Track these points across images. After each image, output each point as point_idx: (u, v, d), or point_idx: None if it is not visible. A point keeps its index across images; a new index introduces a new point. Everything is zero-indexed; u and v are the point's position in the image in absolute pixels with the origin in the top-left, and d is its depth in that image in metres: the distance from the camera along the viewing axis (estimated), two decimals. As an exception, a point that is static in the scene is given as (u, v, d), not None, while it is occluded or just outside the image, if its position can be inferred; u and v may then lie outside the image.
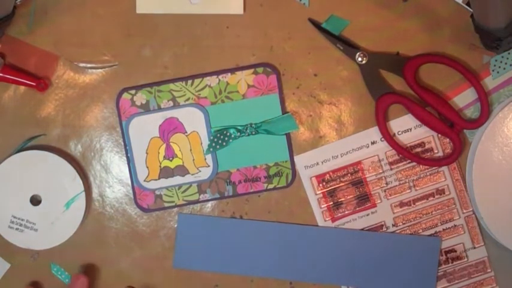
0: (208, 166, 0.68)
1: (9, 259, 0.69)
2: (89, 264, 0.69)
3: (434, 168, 0.69)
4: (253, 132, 0.67)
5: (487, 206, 0.68)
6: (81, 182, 0.67)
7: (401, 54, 0.68)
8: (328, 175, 0.69)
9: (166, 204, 0.69)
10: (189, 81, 0.67)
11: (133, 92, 0.67)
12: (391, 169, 0.69)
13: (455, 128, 0.67)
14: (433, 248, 0.69)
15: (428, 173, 0.69)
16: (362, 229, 0.69)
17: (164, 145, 0.68)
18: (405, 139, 0.69)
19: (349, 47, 0.67)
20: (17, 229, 0.67)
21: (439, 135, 0.69)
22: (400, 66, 0.67)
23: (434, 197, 0.69)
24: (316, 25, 0.67)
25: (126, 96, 0.67)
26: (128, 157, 0.68)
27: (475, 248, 0.70)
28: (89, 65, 0.68)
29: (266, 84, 0.67)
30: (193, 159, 0.68)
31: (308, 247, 0.69)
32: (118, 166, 0.69)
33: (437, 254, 0.69)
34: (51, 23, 0.67)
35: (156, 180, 0.68)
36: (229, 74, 0.67)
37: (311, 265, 0.69)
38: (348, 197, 0.69)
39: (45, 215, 0.67)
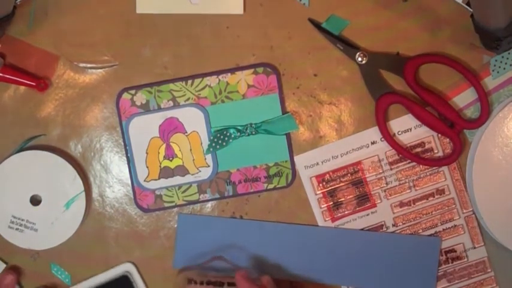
0: (208, 166, 0.68)
1: (9, 259, 0.69)
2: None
3: (434, 168, 0.69)
4: (253, 132, 0.67)
5: (487, 206, 0.68)
6: (81, 182, 0.67)
7: (401, 54, 0.68)
8: (328, 175, 0.69)
9: (166, 204, 0.69)
10: (189, 81, 0.67)
11: (133, 92, 0.67)
12: (391, 169, 0.69)
13: (455, 128, 0.67)
14: (433, 248, 0.69)
15: (428, 173, 0.69)
16: (362, 229, 0.69)
17: (164, 145, 0.68)
18: (405, 139, 0.69)
19: (349, 47, 0.67)
20: (17, 229, 0.67)
21: (439, 135, 0.69)
22: (400, 66, 0.67)
23: (434, 197, 0.69)
24: (316, 25, 0.67)
25: (126, 96, 0.67)
26: (127, 157, 0.68)
27: (475, 248, 0.70)
28: (89, 65, 0.68)
29: (266, 84, 0.67)
30: (193, 159, 0.68)
31: (308, 247, 0.69)
32: (118, 166, 0.69)
33: (437, 254, 0.69)
34: (51, 23, 0.67)
35: (156, 180, 0.68)
36: (229, 74, 0.67)
37: (311, 265, 0.69)
38: (348, 197, 0.69)
39: (45, 215, 0.67)
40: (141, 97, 0.67)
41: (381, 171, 0.69)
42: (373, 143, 0.69)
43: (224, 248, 0.69)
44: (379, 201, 0.69)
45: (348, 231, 0.69)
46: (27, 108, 0.68)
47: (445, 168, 0.69)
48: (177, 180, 0.68)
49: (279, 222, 0.69)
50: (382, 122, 0.67)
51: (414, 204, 0.69)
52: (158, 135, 0.68)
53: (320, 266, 0.69)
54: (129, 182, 0.68)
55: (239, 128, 0.67)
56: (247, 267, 0.67)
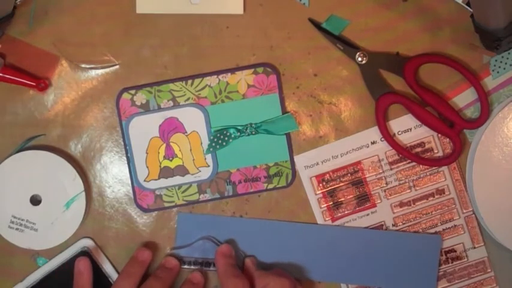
0: (208, 166, 0.68)
1: (9, 259, 0.69)
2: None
3: (434, 168, 0.69)
4: (253, 132, 0.67)
5: (487, 206, 0.68)
6: (81, 181, 0.67)
7: (401, 54, 0.68)
8: (328, 175, 0.69)
9: (166, 204, 0.69)
10: (189, 81, 0.67)
11: (133, 91, 0.67)
12: (391, 169, 0.69)
13: (455, 128, 0.67)
14: (434, 245, 0.69)
15: (428, 173, 0.69)
16: (362, 229, 0.70)
17: (164, 145, 0.68)
18: (405, 139, 0.69)
19: (349, 47, 0.67)
20: (17, 229, 0.67)
21: (439, 135, 0.69)
22: (400, 66, 0.67)
23: (434, 197, 0.69)
24: (316, 25, 0.67)
25: (126, 96, 0.67)
26: (127, 157, 0.68)
27: (475, 248, 0.70)
28: (89, 65, 0.68)
29: (266, 84, 0.67)
30: (193, 159, 0.68)
31: (308, 245, 0.69)
32: (118, 166, 0.69)
33: (438, 252, 0.69)
34: (51, 23, 0.67)
35: (156, 180, 0.68)
36: (229, 74, 0.67)
37: (311, 263, 0.69)
38: (348, 197, 0.69)
39: (45, 215, 0.67)
40: (141, 97, 0.67)
41: (380, 171, 0.69)
42: (373, 143, 0.69)
43: (224, 248, 0.69)
44: (379, 201, 0.69)
45: (348, 229, 0.69)
46: (27, 108, 0.68)
47: (445, 168, 0.69)
48: (177, 180, 0.68)
49: (279, 221, 0.69)
50: (382, 122, 0.67)
51: (414, 204, 0.69)
52: (158, 135, 0.68)
53: (321, 264, 0.69)
54: (129, 182, 0.68)
55: (239, 128, 0.67)
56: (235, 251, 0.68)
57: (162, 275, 0.66)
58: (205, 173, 0.68)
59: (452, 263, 0.70)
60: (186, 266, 0.68)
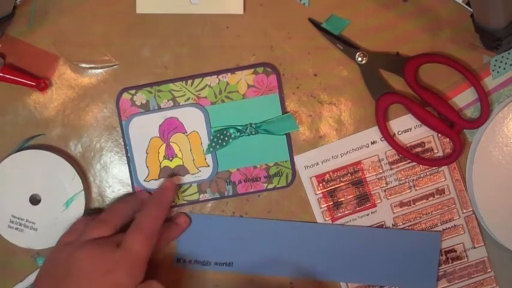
0: (208, 166, 0.68)
1: (9, 259, 0.69)
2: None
3: (434, 168, 0.69)
4: (253, 132, 0.67)
5: (487, 206, 0.68)
6: (80, 181, 0.67)
7: (401, 54, 0.68)
8: (328, 175, 0.69)
9: (166, 204, 0.69)
10: (189, 81, 0.67)
11: (133, 91, 0.67)
12: (391, 169, 0.69)
13: (455, 128, 0.67)
14: (434, 243, 0.69)
15: (428, 173, 0.69)
16: (362, 229, 0.69)
17: (164, 145, 0.68)
18: (405, 139, 0.69)
19: (349, 47, 0.67)
20: (16, 229, 0.67)
21: (439, 135, 0.69)
22: (400, 66, 0.67)
23: (434, 197, 0.69)
24: (316, 25, 0.67)
25: (126, 96, 0.67)
26: (127, 157, 0.68)
27: (475, 248, 0.70)
28: (89, 65, 0.68)
29: (266, 84, 0.67)
30: (193, 159, 0.68)
31: (308, 244, 0.69)
32: (118, 166, 0.69)
33: (438, 249, 0.69)
34: (51, 23, 0.67)
35: (156, 180, 0.68)
36: (229, 74, 0.67)
37: (311, 262, 0.69)
38: (348, 197, 0.69)
39: (44, 214, 0.67)
40: (141, 97, 0.67)
41: (380, 171, 0.69)
42: (373, 143, 0.69)
43: (225, 245, 0.69)
44: (379, 201, 0.69)
45: (348, 228, 0.69)
46: (27, 108, 0.68)
47: (445, 168, 0.69)
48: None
49: (279, 220, 0.69)
50: (382, 122, 0.67)
51: (414, 204, 0.69)
52: (158, 135, 0.68)
53: (320, 263, 0.69)
54: (129, 181, 0.68)
55: (239, 128, 0.67)
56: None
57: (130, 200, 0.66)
58: (205, 173, 0.68)
59: (452, 263, 0.70)
60: (187, 263, 0.68)
